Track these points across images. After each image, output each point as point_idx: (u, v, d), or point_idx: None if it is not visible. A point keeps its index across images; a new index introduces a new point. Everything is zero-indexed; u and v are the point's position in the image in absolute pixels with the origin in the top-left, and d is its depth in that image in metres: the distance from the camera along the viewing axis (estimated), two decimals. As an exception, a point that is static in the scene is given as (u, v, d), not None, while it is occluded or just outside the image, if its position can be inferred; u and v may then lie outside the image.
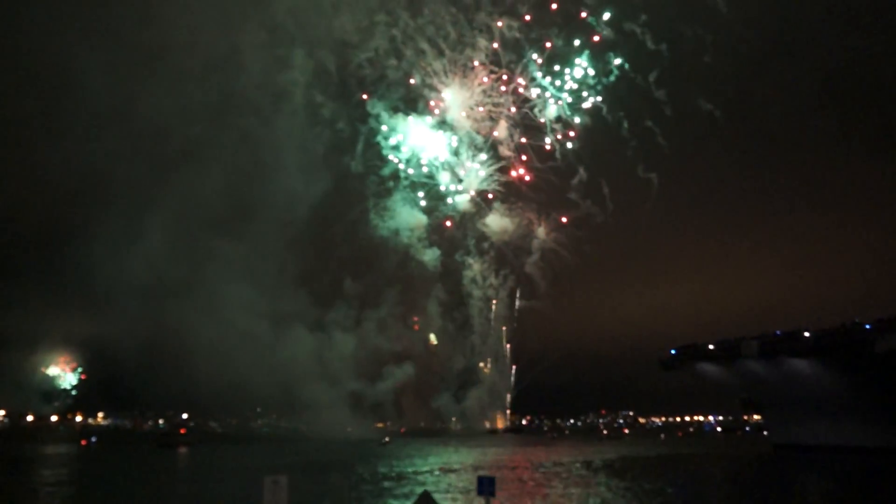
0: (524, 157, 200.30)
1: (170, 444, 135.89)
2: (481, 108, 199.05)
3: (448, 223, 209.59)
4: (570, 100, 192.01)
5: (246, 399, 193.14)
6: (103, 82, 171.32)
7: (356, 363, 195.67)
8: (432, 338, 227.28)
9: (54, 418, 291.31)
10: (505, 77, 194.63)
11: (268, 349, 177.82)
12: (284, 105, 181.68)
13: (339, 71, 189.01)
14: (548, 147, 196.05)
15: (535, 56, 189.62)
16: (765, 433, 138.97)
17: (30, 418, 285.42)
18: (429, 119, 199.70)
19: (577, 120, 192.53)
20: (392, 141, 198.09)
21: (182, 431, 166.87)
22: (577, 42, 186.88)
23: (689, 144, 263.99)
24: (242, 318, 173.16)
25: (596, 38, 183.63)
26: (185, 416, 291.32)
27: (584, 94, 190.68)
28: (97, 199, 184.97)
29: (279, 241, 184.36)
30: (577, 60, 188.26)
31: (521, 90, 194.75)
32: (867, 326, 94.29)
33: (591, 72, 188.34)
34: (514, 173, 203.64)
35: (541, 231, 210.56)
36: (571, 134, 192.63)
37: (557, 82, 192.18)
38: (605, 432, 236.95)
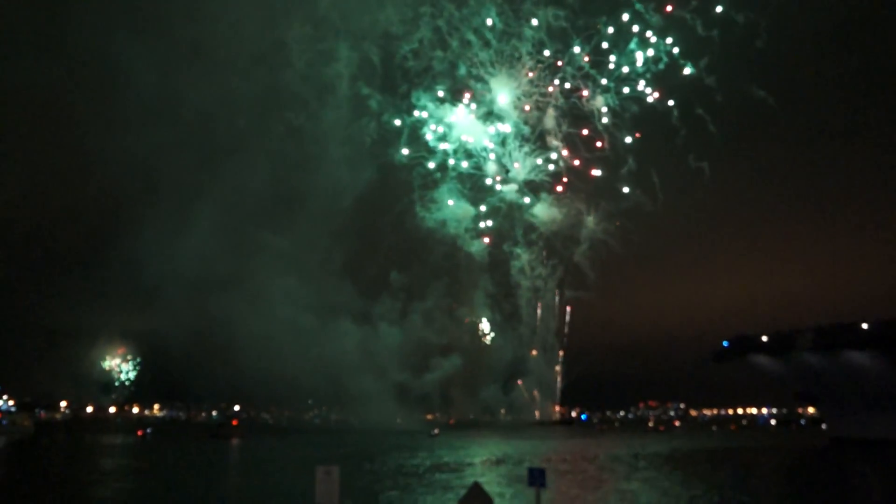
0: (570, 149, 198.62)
1: (222, 435, 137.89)
2: (528, 98, 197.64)
3: (486, 239, 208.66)
4: (619, 89, 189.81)
5: (295, 391, 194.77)
6: (151, 77, 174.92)
7: (403, 355, 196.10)
8: (485, 328, 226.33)
9: (112, 410, 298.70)
10: (552, 66, 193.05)
11: (315, 341, 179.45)
12: (329, 98, 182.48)
13: (383, 63, 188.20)
14: (598, 144, 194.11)
15: (579, 48, 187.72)
16: (822, 426, 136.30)
17: (89, 410, 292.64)
18: (475, 109, 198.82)
19: (625, 109, 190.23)
20: (439, 132, 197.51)
21: (234, 423, 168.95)
22: (634, 27, 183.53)
23: (741, 132, 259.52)
24: (289, 310, 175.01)
25: (669, 8, 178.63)
26: (237, 407, 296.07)
27: (634, 82, 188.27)
28: (147, 192, 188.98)
29: (325, 232, 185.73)
30: (626, 48, 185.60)
31: (568, 80, 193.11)
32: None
33: (641, 59, 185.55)
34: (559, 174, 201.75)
35: (590, 221, 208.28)
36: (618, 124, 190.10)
37: (606, 71, 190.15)
38: (650, 424, 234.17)
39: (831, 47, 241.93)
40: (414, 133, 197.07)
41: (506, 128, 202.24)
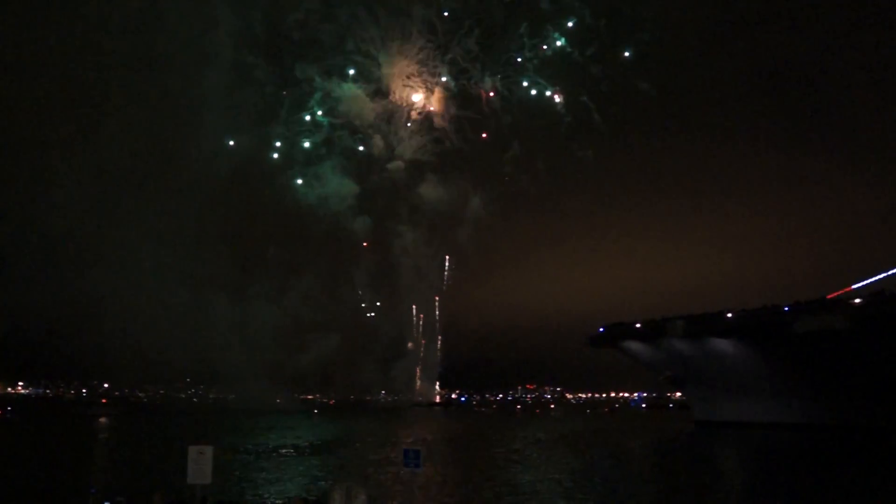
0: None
1: (91, 413, 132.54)
2: (417, 78, 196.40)
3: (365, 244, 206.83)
4: (506, 72, 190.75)
5: (169, 369, 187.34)
6: (9, 25, 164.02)
7: (280, 333, 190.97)
8: (365, 307, 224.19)
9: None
10: (442, 47, 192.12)
11: (187, 316, 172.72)
12: (209, 64, 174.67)
13: (267, 32, 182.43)
14: (483, 136, 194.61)
15: (471, 28, 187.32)
16: (689, 410, 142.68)
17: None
18: (363, 86, 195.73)
19: (513, 93, 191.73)
20: (324, 106, 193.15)
21: (104, 401, 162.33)
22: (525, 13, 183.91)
23: (625, 123, 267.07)
24: (160, 282, 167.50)
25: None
26: (106, 385, 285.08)
27: (521, 65, 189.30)
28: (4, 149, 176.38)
29: (200, 201, 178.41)
30: (517, 33, 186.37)
31: (457, 62, 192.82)
32: (786, 308, 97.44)
33: (528, 46, 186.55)
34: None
35: (475, 203, 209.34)
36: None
37: (494, 55, 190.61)
38: (518, 407, 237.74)
39: (713, 46, 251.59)
40: (298, 106, 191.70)
41: (393, 105, 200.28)
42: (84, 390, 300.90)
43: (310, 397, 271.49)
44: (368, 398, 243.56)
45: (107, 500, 15.28)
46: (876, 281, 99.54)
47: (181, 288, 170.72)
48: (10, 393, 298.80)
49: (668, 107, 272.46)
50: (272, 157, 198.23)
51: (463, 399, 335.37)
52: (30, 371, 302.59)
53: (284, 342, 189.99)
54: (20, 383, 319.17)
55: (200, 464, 16.96)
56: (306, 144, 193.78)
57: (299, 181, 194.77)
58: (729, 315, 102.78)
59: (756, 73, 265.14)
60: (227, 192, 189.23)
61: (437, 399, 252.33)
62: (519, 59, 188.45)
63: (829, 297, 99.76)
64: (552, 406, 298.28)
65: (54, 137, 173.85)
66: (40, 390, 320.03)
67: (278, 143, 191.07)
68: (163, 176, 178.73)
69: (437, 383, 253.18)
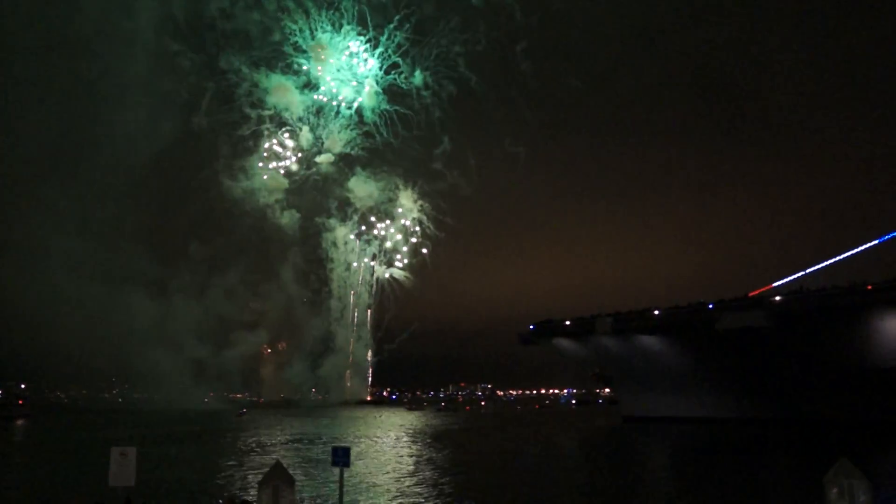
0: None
1: (6, 415, 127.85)
2: (346, 71, 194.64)
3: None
4: (436, 68, 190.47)
5: (89, 368, 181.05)
6: None
7: (203, 331, 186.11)
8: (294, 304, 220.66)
9: None
10: (372, 41, 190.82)
11: (104, 313, 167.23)
12: (128, 51, 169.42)
13: (190, 20, 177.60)
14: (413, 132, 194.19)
15: (401, 22, 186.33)
16: (618, 405, 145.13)
17: None
18: (291, 78, 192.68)
19: (443, 88, 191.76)
20: (252, 97, 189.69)
21: (20, 403, 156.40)
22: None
23: (554, 119, 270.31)
24: (74, 277, 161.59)
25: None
26: (22, 385, 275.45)
27: (452, 62, 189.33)
28: None
29: (116, 189, 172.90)
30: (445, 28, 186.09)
31: (387, 56, 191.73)
32: (710, 306, 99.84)
33: (459, 41, 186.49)
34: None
35: (405, 197, 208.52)
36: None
37: (425, 50, 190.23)
38: (443, 404, 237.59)
39: (640, 44, 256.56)
40: (224, 97, 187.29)
41: (322, 99, 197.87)
42: (0, 391, 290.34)
43: (238, 396, 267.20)
44: (299, 396, 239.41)
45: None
46: (796, 279, 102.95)
47: (97, 283, 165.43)
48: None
49: (596, 106, 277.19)
50: (194, 149, 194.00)
51: (394, 397, 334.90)
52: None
53: (208, 340, 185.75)
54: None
55: (123, 465, 16.58)
56: (232, 137, 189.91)
57: (223, 175, 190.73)
58: (656, 312, 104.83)
59: (679, 72, 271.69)
60: (146, 183, 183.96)
61: (368, 397, 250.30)
62: (449, 53, 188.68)
63: (750, 294, 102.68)
64: (483, 403, 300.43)
65: None
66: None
67: (201, 135, 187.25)
68: (77, 163, 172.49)
69: (369, 382, 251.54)
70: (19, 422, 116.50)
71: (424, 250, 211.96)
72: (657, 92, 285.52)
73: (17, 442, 78.22)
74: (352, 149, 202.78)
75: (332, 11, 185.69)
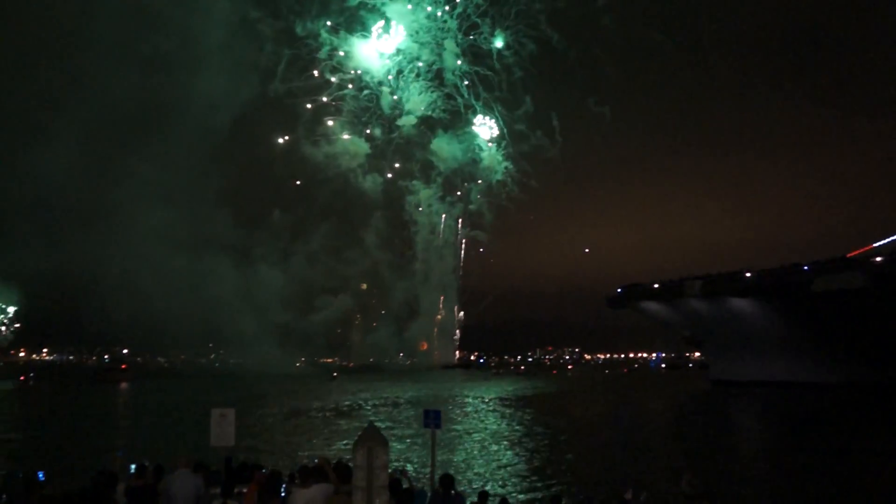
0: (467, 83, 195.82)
1: (110, 379, 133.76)
2: (426, 33, 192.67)
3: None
4: (517, 27, 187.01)
5: (185, 334, 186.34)
6: None
7: (288, 297, 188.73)
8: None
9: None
10: (450, 2, 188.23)
11: (191, 281, 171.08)
12: (204, 21, 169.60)
13: None
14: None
15: None
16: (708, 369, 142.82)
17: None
18: (372, 41, 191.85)
19: (524, 47, 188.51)
20: (331, 62, 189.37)
21: (123, 367, 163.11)
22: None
23: (639, 76, 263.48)
24: (162, 245, 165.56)
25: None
26: (125, 350, 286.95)
27: (533, 20, 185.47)
28: None
29: (197, 156, 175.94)
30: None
31: (467, 16, 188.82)
32: (805, 267, 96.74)
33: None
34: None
35: (489, 159, 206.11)
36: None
37: (504, 9, 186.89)
38: (521, 368, 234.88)
39: None
40: (303, 63, 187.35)
41: (402, 61, 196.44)
42: (106, 356, 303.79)
43: (329, 360, 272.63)
44: (387, 360, 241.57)
45: (132, 463, 15.43)
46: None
47: (182, 250, 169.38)
48: (34, 359, 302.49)
49: (685, 60, 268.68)
50: (274, 116, 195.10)
51: (482, 361, 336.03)
52: (56, 337, 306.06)
53: (293, 306, 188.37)
54: (44, 350, 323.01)
55: (223, 426, 17.09)
56: (312, 102, 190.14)
57: (305, 141, 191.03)
58: (747, 274, 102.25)
59: (778, 26, 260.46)
60: (227, 151, 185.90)
61: (456, 361, 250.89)
62: (529, 12, 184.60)
63: (849, 255, 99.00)
64: (570, 367, 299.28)
65: (42, 91, 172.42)
66: (64, 356, 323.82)
67: (281, 101, 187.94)
68: (159, 132, 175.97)
69: (457, 345, 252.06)
70: (123, 385, 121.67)
71: (509, 213, 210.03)
72: (750, 43, 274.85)
73: (121, 404, 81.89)
74: (433, 111, 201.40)
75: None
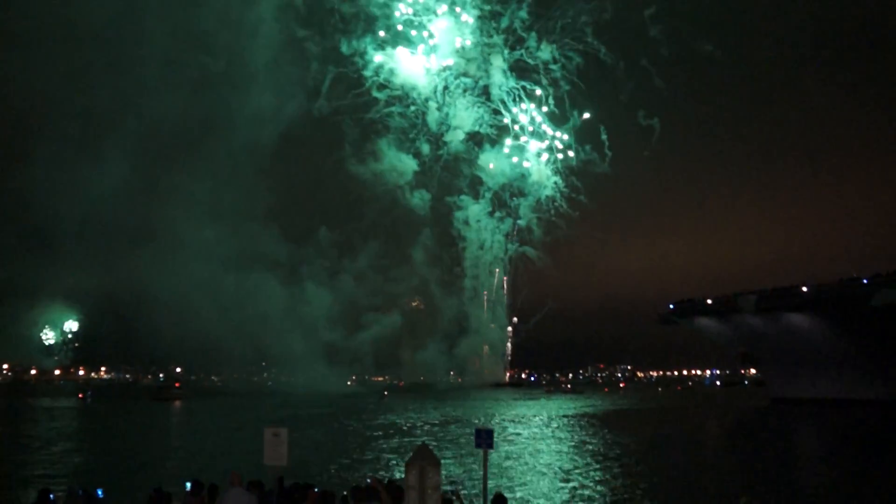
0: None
1: (164, 397, 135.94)
2: (472, 49, 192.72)
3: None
4: (563, 40, 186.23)
5: (232, 353, 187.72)
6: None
7: (336, 315, 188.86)
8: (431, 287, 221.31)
9: (57, 372, 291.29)
10: (495, 15, 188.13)
11: (239, 299, 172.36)
12: (250, 40, 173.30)
13: (311, 6, 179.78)
14: (538, 92, 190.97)
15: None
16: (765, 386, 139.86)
17: (33, 372, 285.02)
18: (418, 58, 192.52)
19: (570, 61, 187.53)
20: (378, 79, 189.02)
21: (177, 385, 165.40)
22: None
23: (689, 88, 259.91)
24: (207, 263, 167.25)
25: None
26: (178, 369, 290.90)
27: (579, 33, 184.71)
28: (51, 128, 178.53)
29: (243, 175, 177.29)
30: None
31: (513, 31, 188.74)
32: (864, 281, 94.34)
33: (585, 10, 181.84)
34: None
35: (537, 173, 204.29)
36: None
37: (550, 23, 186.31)
38: (568, 386, 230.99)
39: (779, 4, 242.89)
40: (349, 80, 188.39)
41: (448, 77, 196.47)
42: (161, 375, 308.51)
43: (379, 379, 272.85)
44: (439, 379, 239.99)
45: (187, 481, 15.59)
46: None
47: (230, 268, 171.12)
48: (93, 378, 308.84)
49: (736, 70, 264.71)
50: (320, 134, 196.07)
51: (532, 378, 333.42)
52: (113, 356, 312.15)
53: (341, 324, 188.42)
54: (103, 368, 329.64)
55: (276, 445, 17.14)
56: (358, 119, 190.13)
57: (351, 159, 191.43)
58: (804, 289, 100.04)
59: (826, 33, 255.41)
60: (273, 169, 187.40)
61: (507, 379, 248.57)
62: (575, 24, 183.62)
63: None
64: (622, 384, 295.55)
65: (92, 110, 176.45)
66: (121, 375, 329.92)
67: (327, 120, 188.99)
68: (205, 150, 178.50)
69: (508, 363, 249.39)
70: (177, 403, 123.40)
71: (558, 228, 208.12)
72: (802, 54, 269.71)
73: (175, 422, 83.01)
74: (480, 126, 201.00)
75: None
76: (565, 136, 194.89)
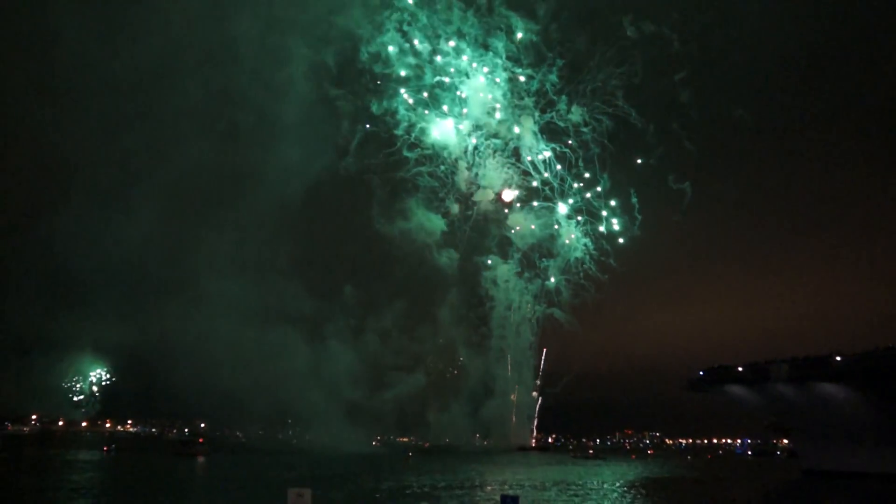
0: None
1: (187, 452, 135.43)
2: (502, 111, 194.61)
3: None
4: (593, 103, 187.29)
5: (255, 409, 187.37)
6: (87, 49, 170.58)
7: (360, 374, 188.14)
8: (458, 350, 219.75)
9: (84, 424, 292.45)
10: (526, 79, 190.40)
11: (261, 355, 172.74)
12: (281, 98, 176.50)
13: (346, 65, 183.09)
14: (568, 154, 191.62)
15: (555, 59, 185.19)
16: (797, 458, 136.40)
17: (60, 423, 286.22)
18: (447, 118, 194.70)
19: (600, 124, 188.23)
20: (409, 139, 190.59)
21: (200, 440, 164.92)
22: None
23: (719, 152, 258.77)
24: (230, 318, 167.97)
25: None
26: (202, 425, 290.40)
27: (610, 96, 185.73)
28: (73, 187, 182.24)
29: (268, 229, 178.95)
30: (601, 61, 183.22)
31: (543, 94, 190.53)
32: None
33: (615, 75, 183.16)
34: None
35: (566, 236, 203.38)
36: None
37: (580, 86, 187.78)
38: (591, 452, 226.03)
39: (809, 69, 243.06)
40: (379, 139, 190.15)
41: (479, 137, 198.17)
42: (186, 430, 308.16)
43: (404, 439, 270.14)
44: (464, 441, 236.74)
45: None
46: None
47: (253, 323, 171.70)
48: (118, 431, 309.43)
49: (768, 136, 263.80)
50: (349, 191, 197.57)
51: (559, 444, 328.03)
52: (139, 410, 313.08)
53: (365, 383, 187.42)
54: (129, 422, 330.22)
55: (300, 505, 17.02)
56: (387, 177, 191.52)
57: (378, 217, 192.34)
58: (837, 358, 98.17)
59: (859, 95, 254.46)
60: (299, 225, 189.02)
61: (533, 443, 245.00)
62: (606, 87, 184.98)
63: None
64: (650, 451, 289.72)
65: (121, 161, 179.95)
66: (146, 429, 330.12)
67: (356, 178, 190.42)
68: (231, 203, 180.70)
69: (535, 427, 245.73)
70: (200, 459, 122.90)
71: (587, 291, 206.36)
72: (834, 117, 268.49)
73: (198, 478, 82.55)
74: (510, 186, 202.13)
75: (487, 52, 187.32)
76: (595, 199, 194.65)
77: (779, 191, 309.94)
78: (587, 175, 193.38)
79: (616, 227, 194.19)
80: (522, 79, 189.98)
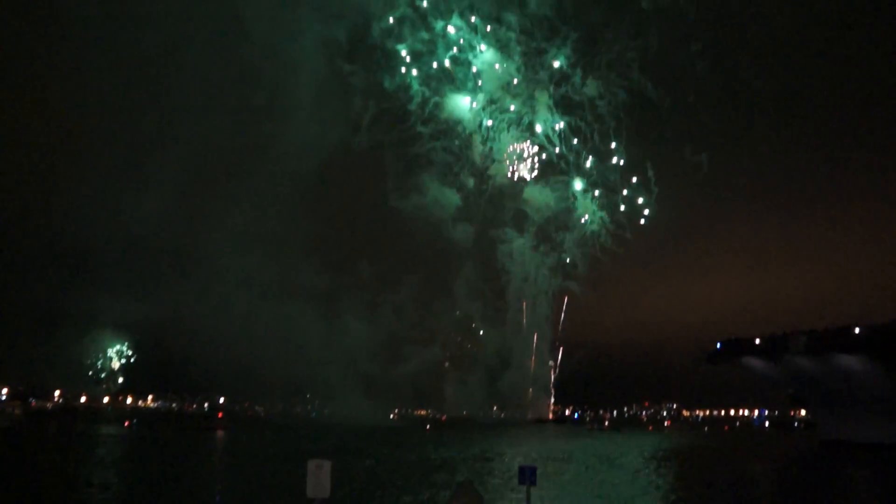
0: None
1: (207, 427, 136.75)
2: (517, 85, 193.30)
3: None
4: (608, 76, 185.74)
5: (274, 383, 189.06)
6: (100, 31, 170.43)
7: (377, 348, 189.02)
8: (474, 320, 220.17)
9: (106, 400, 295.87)
10: (540, 52, 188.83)
11: (277, 330, 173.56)
12: (293, 74, 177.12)
13: (358, 40, 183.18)
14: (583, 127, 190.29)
15: (570, 31, 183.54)
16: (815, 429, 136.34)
17: (83, 399, 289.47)
18: (461, 92, 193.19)
19: (616, 96, 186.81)
20: (423, 114, 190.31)
21: (219, 415, 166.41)
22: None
23: (735, 123, 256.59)
24: (246, 293, 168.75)
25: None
26: (221, 400, 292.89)
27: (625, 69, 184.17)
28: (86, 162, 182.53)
29: (284, 204, 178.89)
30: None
31: (557, 67, 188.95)
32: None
33: (631, 47, 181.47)
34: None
35: (582, 208, 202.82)
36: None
37: (595, 59, 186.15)
38: (606, 424, 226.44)
39: (829, 39, 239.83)
40: (394, 114, 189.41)
41: (494, 112, 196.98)
42: (206, 404, 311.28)
43: (422, 412, 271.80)
44: (482, 414, 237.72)
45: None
46: None
47: (269, 298, 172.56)
48: (139, 406, 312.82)
49: (785, 107, 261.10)
50: (363, 167, 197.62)
51: (577, 416, 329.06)
52: (162, 385, 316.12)
53: (381, 356, 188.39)
54: (150, 396, 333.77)
55: (319, 477, 17.28)
56: (402, 153, 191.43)
57: (394, 192, 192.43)
58: (856, 329, 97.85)
59: (880, 64, 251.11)
60: (314, 200, 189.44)
61: (550, 415, 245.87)
62: (621, 60, 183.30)
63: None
64: (667, 423, 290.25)
65: (137, 137, 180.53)
66: (167, 403, 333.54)
67: (369, 153, 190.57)
68: (247, 179, 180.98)
69: (552, 399, 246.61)
70: (219, 433, 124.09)
71: (603, 263, 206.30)
72: (855, 88, 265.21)
73: (218, 452, 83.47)
74: (525, 160, 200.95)
75: (500, 26, 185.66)
76: (611, 173, 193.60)
77: (797, 161, 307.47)
78: (603, 148, 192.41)
79: (636, 202, 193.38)
80: (537, 52, 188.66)
